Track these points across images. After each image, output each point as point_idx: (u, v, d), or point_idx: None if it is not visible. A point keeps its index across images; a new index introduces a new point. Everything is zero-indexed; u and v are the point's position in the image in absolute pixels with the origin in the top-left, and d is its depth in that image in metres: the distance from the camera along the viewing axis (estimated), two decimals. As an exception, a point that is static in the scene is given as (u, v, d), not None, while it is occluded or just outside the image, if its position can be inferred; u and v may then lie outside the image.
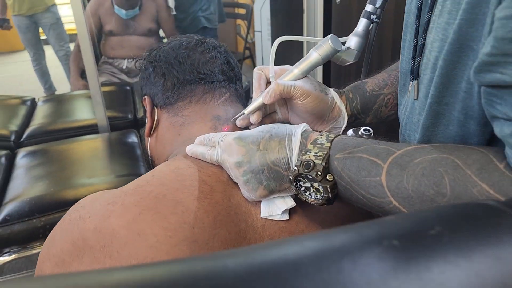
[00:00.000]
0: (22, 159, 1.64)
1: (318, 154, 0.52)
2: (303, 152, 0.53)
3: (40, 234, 1.31)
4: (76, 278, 0.25)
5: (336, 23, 1.83)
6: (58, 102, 2.22)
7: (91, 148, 1.73)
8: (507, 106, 0.37)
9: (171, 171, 0.61)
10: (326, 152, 0.52)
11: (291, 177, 0.54)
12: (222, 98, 0.73)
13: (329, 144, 0.53)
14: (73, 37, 3.59)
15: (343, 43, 0.73)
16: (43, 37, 3.57)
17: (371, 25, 0.74)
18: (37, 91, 3.63)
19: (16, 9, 3.28)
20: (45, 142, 1.79)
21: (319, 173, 0.51)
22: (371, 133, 0.79)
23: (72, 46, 3.65)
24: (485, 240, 0.24)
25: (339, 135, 0.55)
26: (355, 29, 0.74)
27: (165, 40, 2.93)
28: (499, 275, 0.23)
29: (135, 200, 0.55)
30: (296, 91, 0.65)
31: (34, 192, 1.39)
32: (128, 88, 2.37)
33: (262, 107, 0.69)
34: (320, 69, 1.85)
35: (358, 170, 0.49)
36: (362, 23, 0.73)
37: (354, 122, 0.72)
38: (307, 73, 0.69)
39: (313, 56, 0.69)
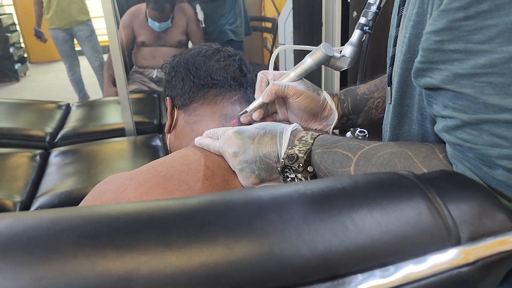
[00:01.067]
0: (55, 157, 1.77)
1: (301, 149, 0.60)
2: (289, 147, 0.62)
3: (68, 226, 1.42)
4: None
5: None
6: (90, 107, 2.37)
7: (117, 149, 1.85)
8: (438, 105, 0.44)
9: (180, 156, 0.70)
10: (308, 147, 0.60)
11: (279, 168, 0.62)
12: (231, 100, 0.82)
13: (312, 141, 0.61)
14: (106, 48, 3.80)
15: (341, 51, 0.81)
16: (77, 48, 3.77)
17: (364, 35, 0.81)
18: (72, 98, 3.83)
19: (55, 23, 3.48)
20: (77, 143, 1.92)
21: (300, 164, 0.59)
22: (366, 134, 0.86)
23: (105, 56, 3.86)
24: (371, 199, 0.32)
25: (322, 133, 0.63)
26: (350, 39, 0.81)
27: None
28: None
29: (148, 177, 0.65)
30: (289, 91, 0.74)
31: (64, 187, 1.51)
32: (155, 96, 2.50)
33: (264, 106, 0.78)
34: (337, 77, 1.93)
35: (333, 162, 0.56)
36: (356, 34, 0.81)
37: (347, 122, 0.80)
38: (302, 76, 0.78)
39: (307, 61, 0.77)
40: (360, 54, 0.84)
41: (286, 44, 2.89)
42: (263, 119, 0.80)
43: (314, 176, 0.59)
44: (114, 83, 2.78)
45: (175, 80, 0.86)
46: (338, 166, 0.55)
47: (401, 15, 0.56)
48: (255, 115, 0.78)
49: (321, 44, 0.77)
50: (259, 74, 0.80)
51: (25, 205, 1.46)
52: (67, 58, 3.72)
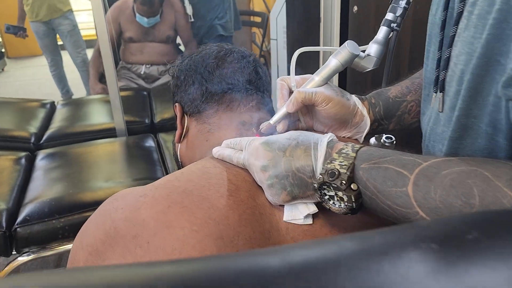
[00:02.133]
0: (41, 160, 1.67)
1: (343, 163, 0.53)
2: (328, 161, 0.55)
3: (60, 235, 1.34)
4: (120, 270, 0.26)
5: (352, 31, 1.84)
6: (76, 105, 2.27)
7: (108, 151, 1.76)
8: None
9: (198, 169, 0.64)
10: (351, 161, 0.53)
11: (315, 185, 0.56)
12: (248, 106, 0.75)
13: (354, 154, 0.54)
14: (89, 43, 3.68)
15: (363, 51, 0.74)
16: (60, 42, 3.64)
17: (391, 33, 0.75)
18: (54, 94, 3.70)
19: (33, 15, 3.35)
20: (64, 145, 1.82)
21: (343, 182, 0.52)
22: (393, 141, 0.79)
23: (89, 52, 3.73)
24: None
25: (365, 145, 0.56)
26: (376, 36, 0.75)
27: (181, 47, 2.97)
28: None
29: (165, 193, 0.58)
30: (317, 98, 0.67)
31: (53, 193, 1.42)
32: (145, 93, 2.40)
33: (287, 116, 0.71)
34: (336, 79, 1.85)
35: (384, 181, 0.50)
36: (382, 31, 0.74)
37: (377, 128, 0.73)
38: (328, 80, 0.71)
39: (332, 62, 0.70)
40: (387, 53, 0.77)
41: (278, 39, 2.82)
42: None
43: (358, 194, 0.53)
44: (100, 80, 2.68)
45: (185, 85, 0.78)
46: (391, 185, 0.49)
47: (460, 11, 0.50)
48: (280, 128, 0.71)
49: (346, 43, 0.70)
50: (279, 81, 0.73)
51: (12, 213, 1.37)
52: (49, 53, 3.60)
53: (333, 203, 0.56)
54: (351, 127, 0.72)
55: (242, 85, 0.76)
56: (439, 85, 0.56)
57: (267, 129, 0.72)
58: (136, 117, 2.07)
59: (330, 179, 0.53)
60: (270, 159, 0.58)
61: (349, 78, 1.82)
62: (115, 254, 0.55)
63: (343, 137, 0.73)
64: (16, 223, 1.32)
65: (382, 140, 0.83)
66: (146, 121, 2.08)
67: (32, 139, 1.89)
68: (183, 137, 0.80)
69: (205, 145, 0.75)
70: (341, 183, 0.52)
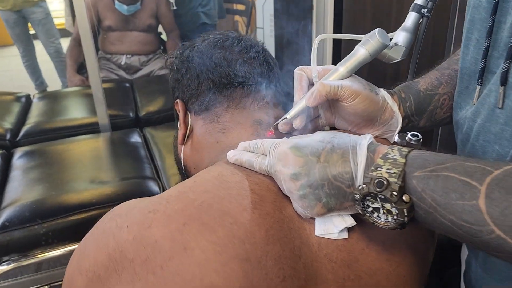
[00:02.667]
0: (19, 159, 1.55)
1: (391, 171, 0.46)
2: (372, 168, 0.47)
3: (43, 241, 1.23)
4: None
5: (347, 20, 1.77)
6: (54, 99, 2.13)
7: (92, 148, 1.64)
8: None
9: (213, 177, 0.55)
10: (401, 168, 0.46)
11: (357, 196, 0.48)
12: (263, 102, 0.67)
13: (403, 160, 0.47)
14: (63, 32, 3.49)
15: (390, 39, 0.67)
16: (32, 31, 3.45)
17: (421, 19, 0.68)
18: (28, 87, 3.51)
19: (3, 4, 3.15)
20: (43, 141, 1.70)
21: (394, 193, 0.45)
22: (420, 139, 0.72)
23: (63, 41, 3.55)
24: None
25: (413, 149, 0.49)
26: (404, 23, 0.68)
27: (163, 36, 2.84)
28: None
29: (179, 208, 0.50)
30: (343, 92, 0.59)
31: (34, 196, 1.30)
32: (127, 85, 2.28)
33: (306, 111, 0.63)
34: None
35: (446, 192, 0.43)
36: (411, 17, 0.67)
37: (407, 125, 0.66)
38: (354, 72, 0.63)
39: (360, 52, 0.62)
40: (415, 42, 0.70)
41: (264, 28, 2.73)
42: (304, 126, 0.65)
43: (411, 207, 0.46)
44: (78, 71, 2.54)
45: (188, 79, 0.69)
46: (456, 198, 0.42)
47: None
48: (297, 123, 0.63)
49: (375, 31, 0.63)
50: (297, 71, 0.65)
51: (-12, 219, 1.25)
52: (21, 43, 3.41)
53: (378, 216, 0.48)
54: (379, 125, 0.64)
55: (254, 78, 0.68)
56: (501, 77, 0.49)
57: (284, 126, 0.64)
58: (120, 111, 1.95)
59: (378, 189, 0.45)
60: (302, 166, 0.50)
61: (367, 70, 1.73)
62: (121, 282, 0.47)
63: (375, 137, 0.66)
64: (-7, 230, 1.21)
65: (407, 138, 0.76)
66: (131, 114, 1.97)
67: (8, 136, 1.76)
68: (187, 138, 0.71)
69: (215, 147, 0.67)
70: (392, 194, 0.45)
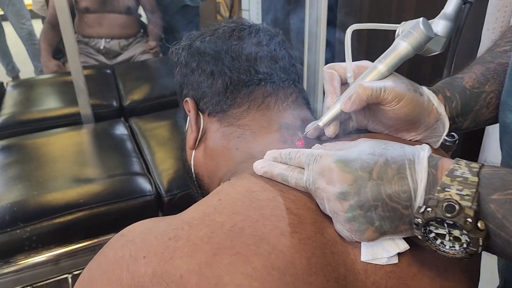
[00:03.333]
0: (-6, 155, 1.43)
1: (463, 193, 0.39)
2: (439, 188, 0.40)
3: (26, 247, 1.13)
4: None
5: (344, 2, 1.68)
6: (29, 87, 1.98)
7: (75, 142, 1.53)
8: None
9: (242, 194, 0.47)
10: (474, 190, 0.39)
11: (419, 220, 0.41)
12: (287, 101, 0.59)
13: (475, 179, 0.40)
14: (34, 14, 3.30)
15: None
16: (1, 12, 3.25)
17: (464, 5, 0.60)
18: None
19: None
20: (20, 135, 1.57)
21: (469, 219, 0.38)
22: (456, 140, 0.66)
23: (35, 23, 3.35)
24: None
25: (483, 165, 0.42)
26: (443, 10, 0.60)
27: (143, 19, 2.70)
28: None
29: (205, 234, 0.42)
30: (387, 95, 0.51)
31: (14, 197, 1.19)
32: (109, 71, 2.15)
33: (340, 116, 0.55)
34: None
35: None
36: (452, 3, 0.59)
37: (451, 126, 0.58)
38: (394, 69, 0.55)
39: (401, 46, 0.54)
40: (456, 32, 0.63)
41: (250, 10, 2.61)
42: None
43: (486, 236, 0.39)
44: (54, 56, 2.38)
45: (199, 75, 0.60)
46: None
47: None
48: (330, 131, 0.55)
49: (419, 21, 0.55)
50: (327, 70, 0.56)
51: (-36, 223, 1.14)
52: (-11, 25, 3.20)
53: (442, 243, 0.41)
54: (421, 129, 0.57)
55: (277, 73, 0.59)
56: None
57: (313, 131, 0.56)
58: (103, 100, 1.83)
59: (448, 215, 0.39)
60: (350, 184, 0.43)
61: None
62: None
63: (410, 140, 0.58)
64: (-30, 236, 1.10)
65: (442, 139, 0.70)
66: (114, 104, 1.85)
67: (-20, 129, 1.62)
68: (199, 142, 0.63)
69: (234, 155, 0.58)
70: (466, 221, 0.38)
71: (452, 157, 0.46)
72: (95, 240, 1.22)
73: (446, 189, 0.40)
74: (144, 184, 1.29)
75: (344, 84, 0.57)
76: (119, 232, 0.47)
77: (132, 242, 0.43)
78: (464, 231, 0.39)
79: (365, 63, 0.57)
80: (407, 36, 0.54)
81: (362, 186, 0.42)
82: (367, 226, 0.43)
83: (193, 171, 0.65)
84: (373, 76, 0.54)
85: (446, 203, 0.39)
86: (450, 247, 0.41)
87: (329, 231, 0.46)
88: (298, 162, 0.48)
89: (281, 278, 0.40)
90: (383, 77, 0.54)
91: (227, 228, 0.43)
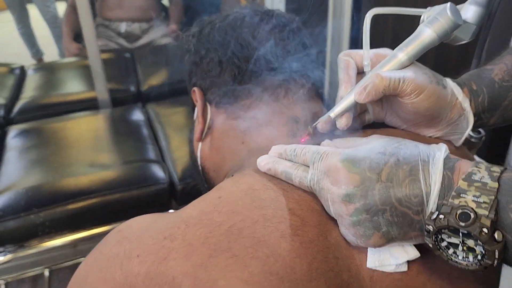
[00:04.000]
0: (14, 139, 1.44)
1: (480, 200, 0.35)
2: (454, 194, 0.37)
3: (39, 232, 1.13)
4: None
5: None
6: (50, 70, 1.99)
7: (92, 127, 1.52)
8: None
9: (244, 193, 0.45)
10: (493, 197, 0.35)
11: (430, 227, 0.37)
12: (298, 93, 0.55)
13: (495, 184, 0.36)
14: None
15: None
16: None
17: (497, -10, 0.55)
18: (21, 55, 3.36)
19: None
20: (39, 119, 1.58)
21: (485, 230, 0.34)
22: (482, 136, 0.60)
23: (60, 5, 3.36)
24: None
25: (505, 168, 0.38)
26: (472, -6, 0.54)
27: (165, 2, 2.67)
28: None
29: (202, 234, 0.40)
30: (406, 86, 0.47)
31: (30, 182, 1.20)
32: (128, 55, 2.13)
33: (353, 108, 0.50)
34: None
35: None
36: (484, -12, 0.54)
37: (475, 123, 0.54)
38: (416, 58, 0.50)
39: (425, 33, 0.49)
40: (487, 18, 0.57)
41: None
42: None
43: (504, 248, 0.35)
44: (76, 39, 2.38)
45: (207, 63, 0.57)
46: None
47: None
48: (342, 123, 0.50)
49: (447, 6, 0.49)
50: (342, 57, 0.52)
51: (-19, 206, 1.15)
52: (14, 8, 3.23)
53: (454, 253, 0.38)
54: (443, 124, 0.52)
55: (288, 64, 0.55)
56: None
57: (324, 125, 0.52)
58: (120, 84, 1.82)
59: (461, 223, 0.35)
60: (357, 186, 0.40)
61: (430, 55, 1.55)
62: None
63: (429, 137, 0.54)
64: (-14, 219, 1.11)
65: (467, 135, 0.65)
66: (132, 89, 1.83)
67: (2, 112, 1.64)
68: (206, 134, 0.60)
69: (240, 149, 0.55)
70: (481, 232, 0.34)
71: (481, 155, 0.42)
72: (110, 227, 1.21)
73: (462, 195, 0.36)
74: (158, 171, 1.27)
75: (361, 73, 0.52)
76: (116, 227, 0.46)
77: (128, 239, 0.42)
78: (479, 242, 0.35)
79: (384, 51, 0.53)
80: (432, 23, 0.49)
81: (370, 188, 0.39)
82: (373, 231, 0.40)
83: (199, 163, 0.62)
84: (392, 66, 0.49)
85: (460, 211, 0.35)
86: (463, 257, 0.37)
87: (334, 234, 0.43)
88: (303, 160, 0.45)
89: (279, 284, 0.38)
90: (403, 66, 0.49)
91: (225, 229, 0.40)
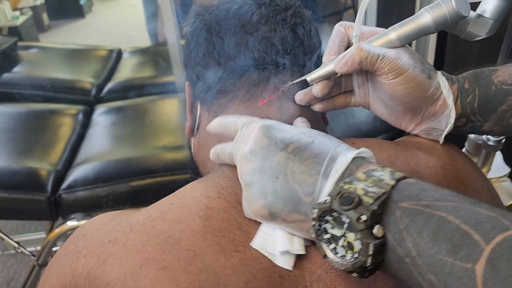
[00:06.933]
0: (98, 116, 1.58)
1: (370, 190, 0.33)
2: (346, 180, 0.35)
3: (103, 204, 1.24)
4: None
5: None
6: (144, 54, 2.14)
7: (168, 110, 1.60)
8: None
9: (194, 200, 0.43)
10: (384, 190, 0.33)
11: (315, 212, 0.35)
12: (278, 92, 0.51)
13: (392, 182, 0.33)
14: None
15: (476, 6, 0.47)
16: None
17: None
18: (137, 37, 3.62)
19: None
20: (125, 99, 1.70)
21: (363, 217, 0.32)
22: (501, 140, 0.53)
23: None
24: None
25: (411, 177, 0.35)
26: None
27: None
28: None
29: (140, 241, 0.40)
30: (383, 64, 0.44)
31: (102, 157, 1.31)
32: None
33: (333, 77, 0.49)
34: (431, 46, 1.38)
35: (435, 240, 0.30)
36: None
37: (464, 126, 0.49)
38: (409, 42, 0.46)
39: (424, 18, 0.44)
40: (510, 13, 0.49)
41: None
42: (330, 98, 0.51)
43: (380, 247, 0.32)
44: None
45: (194, 57, 0.54)
46: (447, 253, 0.29)
47: None
48: (317, 89, 0.48)
49: (453, -8, 0.43)
50: (337, 27, 0.49)
51: (60, 176, 1.29)
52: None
53: (334, 249, 0.35)
54: (422, 119, 0.49)
55: (269, 57, 0.51)
56: None
57: (302, 95, 0.50)
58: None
59: (343, 207, 0.32)
60: (262, 147, 0.39)
61: (449, 47, 1.39)
62: None
63: (415, 135, 0.51)
64: (60, 188, 1.24)
65: (484, 138, 0.58)
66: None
67: (93, 91, 1.80)
68: (196, 130, 0.59)
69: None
70: (359, 218, 0.31)
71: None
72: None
73: (354, 182, 0.34)
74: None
75: (351, 45, 0.49)
76: (85, 221, 0.48)
77: (83, 237, 0.44)
78: (357, 232, 0.32)
79: (379, 29, 0.49)
80: (434, 8, 0.44)
81: (272, 154, 0.39)
82: (259, 196, 0.39)
83: (194, 159, 0.62)
84: (380, 43, 0.46)
85: (345, 194, 0.33)
86: (341, 255, 0.35)
87: None
88: (235, 128, 0.45)
89: None
90: (393, 46, 0.45)
91: (163, 238, 0.40)
